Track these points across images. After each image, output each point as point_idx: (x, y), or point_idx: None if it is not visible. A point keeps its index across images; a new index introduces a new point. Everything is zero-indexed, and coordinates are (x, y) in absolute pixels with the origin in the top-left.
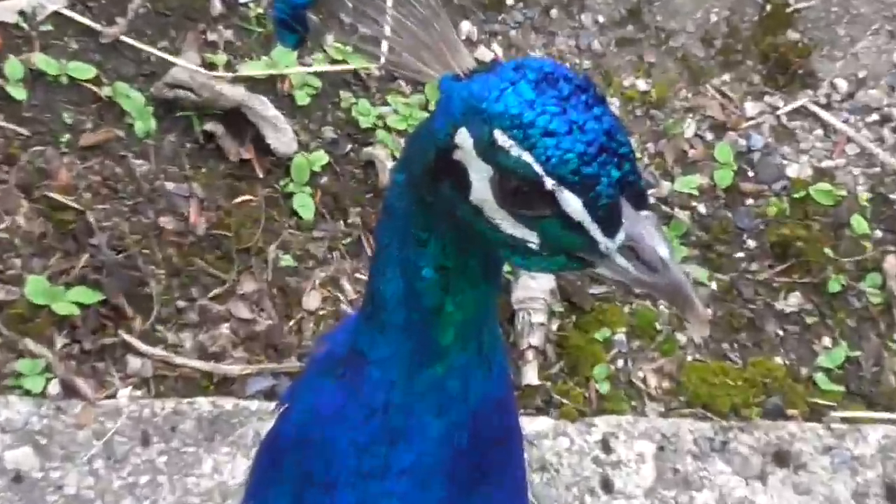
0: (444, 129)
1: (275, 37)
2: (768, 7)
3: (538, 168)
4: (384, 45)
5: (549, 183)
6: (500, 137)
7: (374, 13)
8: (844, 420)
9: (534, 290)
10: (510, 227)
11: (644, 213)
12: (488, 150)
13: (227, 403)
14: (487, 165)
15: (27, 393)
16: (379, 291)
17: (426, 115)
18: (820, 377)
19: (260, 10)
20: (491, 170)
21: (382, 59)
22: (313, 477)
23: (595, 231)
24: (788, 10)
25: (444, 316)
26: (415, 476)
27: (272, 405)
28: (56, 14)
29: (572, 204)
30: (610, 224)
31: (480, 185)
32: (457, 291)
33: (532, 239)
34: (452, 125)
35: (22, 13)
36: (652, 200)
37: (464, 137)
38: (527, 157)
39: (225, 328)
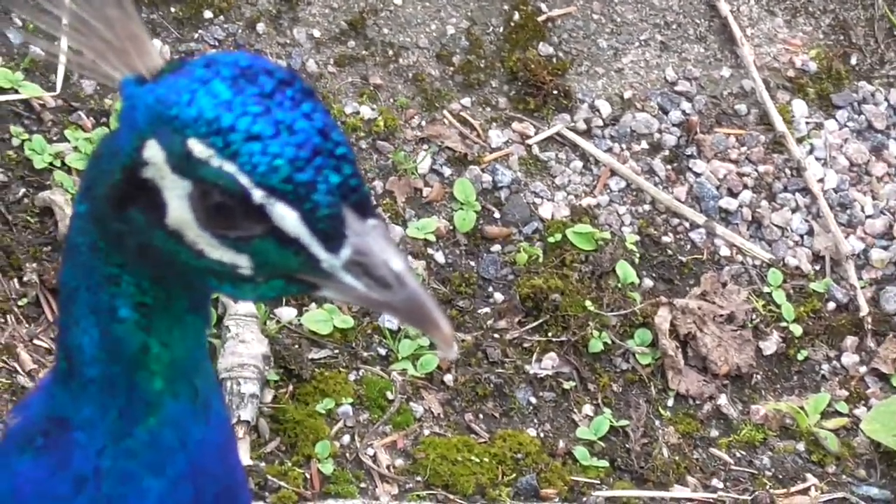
0: (130, 144)
1: None
2: (516, 16)
3: (243, 179)
4: (64, 43)
5: (258, 195)
6: (197, 147)
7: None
8: (609, 500)
9: (243, 356)
10: (215, 251)
11: (371, 221)
12: (184, 163)
13: None
14: (185, 181)
15: None
16: (74, 344)
17: None
18: (580, 451)
19: None
20: (189, 185)
21: (63, 58)
22: None
23: (315, 247)
24: (541, 18)
25: (149, 359)
26: None
27: None
28: None
29: (286, 218)
30: (332, 238)
31: (178, 204)
32: (161, 329)
33: (243, 263)
34: (139, 138)
35: None
36: (378, 208)
37: (153, 151)
38: (229, 166)
39: None
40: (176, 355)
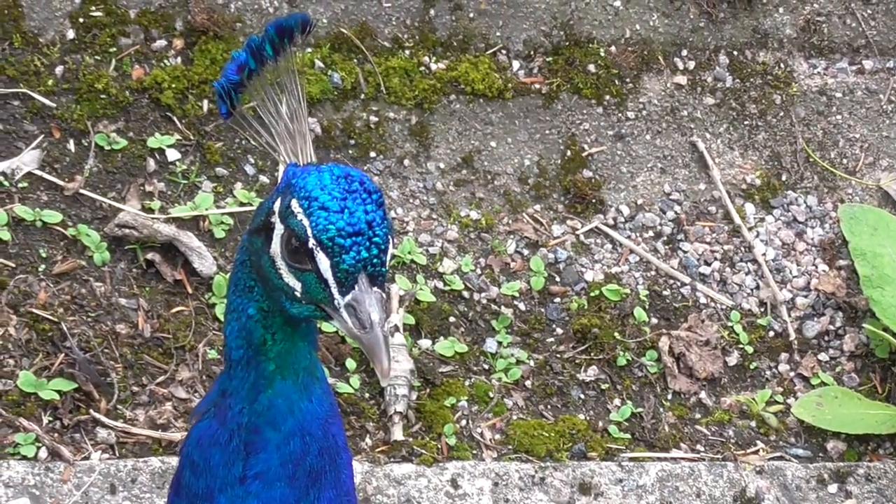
0: (272, 199)
1: (217, 105)
2: (569, 153)
3: (308, 231)
4: (267, 138)
5: (311, 242)
6: (294, 205)
7: (271, 106)
8: (631, 459)
9: (398, 370)
10: (286, 275)
11: (374, 289)
12: (285, 214)
13: (172, 461)
14: (283, 225)
15: (24, 458)
16: (226, 334)
17: None
18: (612, 428)
19: (184, 167)
20: (284, 229)
21: (265, 138)
22: (198, 492)
23: (333, 288)
24: (584, 154)
25: (266, 349)
26: (263, 478)
27: None
28: (30, 174)
29: (322, 263)
30: (345, 287)
31: (277, 240)
32: (274, 328)
33: (297, 287)
34: (275, 196)
35: (3, 174)
36: (385, 285)
37: (277, 205)
38: (304, 221)
39: (168, 406)
40: (284, 349)
